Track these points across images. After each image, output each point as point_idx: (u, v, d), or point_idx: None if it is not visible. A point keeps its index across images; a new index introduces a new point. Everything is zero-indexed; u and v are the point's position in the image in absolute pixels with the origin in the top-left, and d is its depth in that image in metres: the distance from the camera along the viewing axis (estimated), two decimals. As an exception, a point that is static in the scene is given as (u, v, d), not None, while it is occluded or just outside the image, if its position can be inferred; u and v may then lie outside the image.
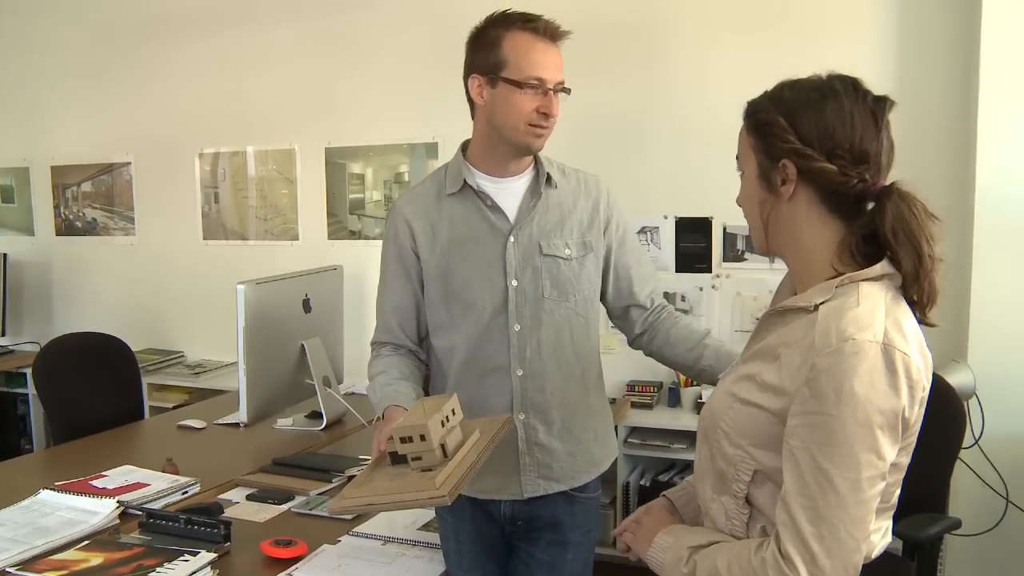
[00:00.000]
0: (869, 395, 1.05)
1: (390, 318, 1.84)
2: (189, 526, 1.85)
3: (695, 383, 3.44)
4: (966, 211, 2.97)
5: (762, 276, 3.36)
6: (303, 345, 2.77)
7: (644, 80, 3.53)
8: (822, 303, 1.13)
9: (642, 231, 3.57)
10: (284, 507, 2.10)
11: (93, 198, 4.69)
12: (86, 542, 1.86)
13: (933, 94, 3.11)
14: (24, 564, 1.75)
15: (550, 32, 1.67)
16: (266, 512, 2.07)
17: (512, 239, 1.74)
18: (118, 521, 1.99)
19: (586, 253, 1.79)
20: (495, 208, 1.75)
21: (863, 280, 1.13)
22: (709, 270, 3.52)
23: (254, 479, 2.28)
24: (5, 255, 4.66)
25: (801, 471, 1.08)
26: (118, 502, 2.04)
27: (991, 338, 2.92)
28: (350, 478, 2.22)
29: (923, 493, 2.21)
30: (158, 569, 1.69)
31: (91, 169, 4.67)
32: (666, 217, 3.56)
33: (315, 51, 4.07)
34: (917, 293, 1.14)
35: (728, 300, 3.51)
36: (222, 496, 2.18)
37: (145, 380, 3.78)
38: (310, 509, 2.08)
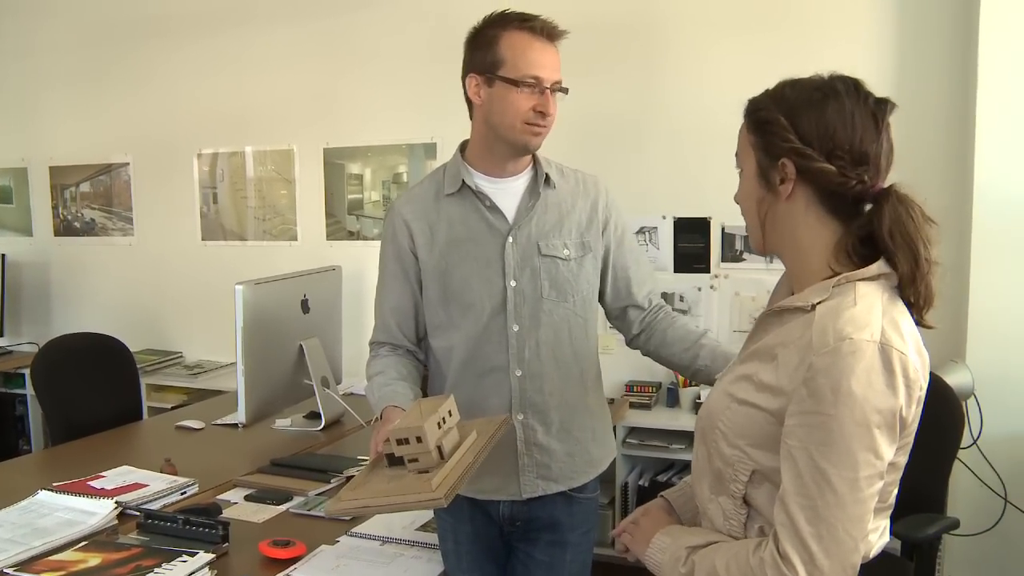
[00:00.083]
0: (866, 394, 1.05)
1: (388, 318, 1.84)
2: (187, 527, 1.85)
3: (693, 383, 3.44)
4: (964, 212, 2.97)
5: (760, 276, 3.36)
6: (301, 345, 2.77)
7: (643, 80, 3.53)
8: (819, 303, 1.13)
9: (640, 231, 3.57)
10: (282, 508, 2.10)
11: (91, 198, 4.69)
12: (84, 543, 1.86)
13: (931, 95, 3.11)
14: (22, 565, 1.75)
15: (547, 32, 1.67)
16: (264, 513, 2.07)
17: (511, 239, 1.74)
18: (116, 522, 1.99)
19: (585, 253, 1.79)
20: (493, 208, 1.75)
21: (860, 280, 1.13)
22: (707, 270, 3.52)
23: (252, 480, 2.28)
24: (3, 256, 4.66)
25: (799, 471, 1.08)
26: (116, 503, 2.04)
27: (989, 338, 2.92)
28: (348, 478, 2.22)
29: (922, 493, 2.21)
30: (156, 570, 1.69)
31: (89, 169, 4.66)
32: (664, 217, 3.56)
33: (313, 51, 4.07)
34: (914, 296, 1.14)
35: (726, 300, 3.51)
36: (220, 497, 2.18)
37: (143, 381, 3.79)
38: (308, 510, 2.08)
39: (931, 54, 3.13)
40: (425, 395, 1.80)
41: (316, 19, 4.04)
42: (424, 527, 1.97)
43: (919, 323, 1.15)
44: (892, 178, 1.17)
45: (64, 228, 4.78)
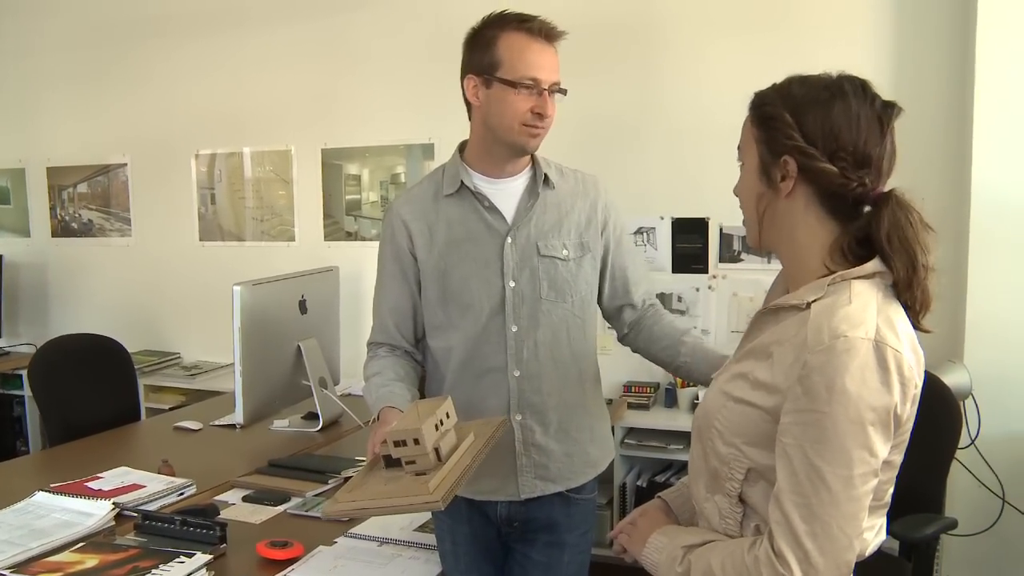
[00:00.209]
0: (861, 392, 1.05)
1: (387, 319, 1.83)
2: (185, 528, 1.85)
3: (690, 384, 3.45)
4: (962, 213, 2.97)
5: (758, 276, 3.36)
6: (299, 346, 2.76)
7: (641, 81, 3.53)
8: (814, 301, 1.13)
9: (639, 231, 3.57)
10: (280, 508, 2.10)
11: (89, 199, 4.69)
12: (81, 544, 1.86)
13: (929, 96, 3.11)
14: (19, 566, 1.75)
15: (545, 32, 1.67)
16: (262, 513, 2.07)
17: (509, 240, 1.74)
18: (114, 523, 1.99)
19: (583, 254, 1.79)
20: (492, 209, 1.75)
21: (855, 278, 1.13)
22: (705, 271, 3.53)
23: (250, 480, 2.28)
24: (1, 256, 4.66)
25: (794, 468, 1.08)
26: (114, 504, 2.04)
27: (987, 338, 2.93)
28: (346, 479, 2.22)
29: (920, 493, 2.21)
30: (153, 571, 1.69)
31: (87, 170, 4.66)
32: (662, 218, 3.56)
33: (311, 52, 4.07)
34: (910, 300, 1.14)
35: (724, 300, 3.51)
36: (218, 497, 2.18)
37: (141, 381, 3.78)
38: (306, 510, 2.08)
39: (929, 55, 3.13)
40: (423, 396, 1.80)
41: (314, 19, 4.04)
42: (422, 528, 1.97)
43: (916, 327, 1.15)
44: (891, 179, 1.17)
45: (62, 229, 4.78)
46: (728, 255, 3.49)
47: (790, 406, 1.09)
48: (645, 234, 3.58)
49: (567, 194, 1.80)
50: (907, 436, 1.15)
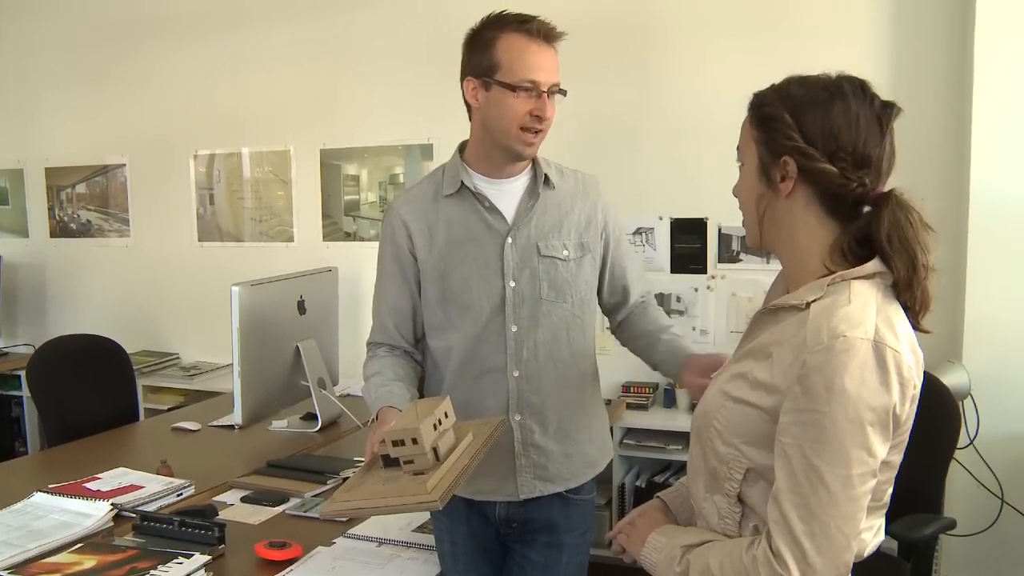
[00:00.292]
0: (860, 392, 1.05)
1: (386, 319, 1.83)
2: (183, 528, 1.85)
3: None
4: (961, 213, 2.97)
5: (757, 277, 3.36)
6: (298, 347, 2.76)
7: (640, 81, 3.53)
8: (813, 301, 1.13)
9: (637, 232, 3.57)
10: (279, 509, 2.10)
11: (88, 200, 4.68)
12: (79, 545, 1.86)
13: (928, 97, 3.11)
14: (17, 567, 1.75)
15: (544, 33, 1.66)
16: (260, 514, 2.07)
17: (510, 240, 1.74)
18: (112, 524, 1.99)
19: (584, 254, 1.79)
20: (493, 209, 1.75)
21: (854, 278, 1.13)
22: (704, 271, 3.52)
23: (249, 481, 2.28)
24: (0, 257, 4.65)
25: (792, 468, 1.08)
26: (112, 504, 2.03)
27: (986, 339, 2.93)
28: (345, 480, 2.22)
29: (918, 493, 2.22)
30: (152, 572, 1.68)
31: (86, 171, 4.66)
32: (661, 218, 3.56)
33: (310, 52, 4.07)
34: (910, 300, 1.14)
35: (723, 301, 3.51)
36: (216, 498, 2.18)
37: (140, 382, 3.78)
38: (305, 511, 2.07)
39: (928, 55, 3.13)
40: (422, 396, 1.80)
41: (312, 20, 4.04)
42: (420, 528, 1.97)
43: (916, 327, 1.15)
44: (890, 180, 1.17)
45: (60, 229, 4.78)
46: (727, 255, 3.49)
47: (789, 406, 1.09)
48: (644, 234, 3.58)
49: (567, 194, 1.80)
50: (906, 437, 1.15)
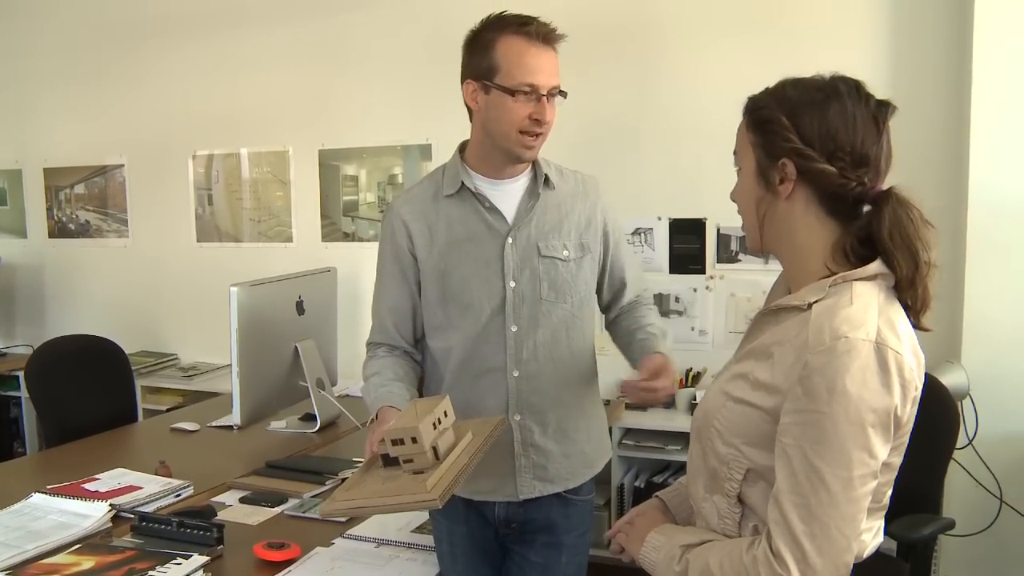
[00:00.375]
0: (861, 393, 1.05)
1: (386, 319, 1.83)
2: (181, 529, 1.84)
3: (689, 384, 3.45)
4: (959, 213, 2.97)
5: (756, 277, 3.36)
6: (297, 347, 2.76)
7: (639, 82, 3.53)
8: (815, 302, 1.13)
9: (636, 232, 3.57)
10: (277, 510, 2.10)
11: (86, 200, 4.68)
12: (77, 546, 1.85)
13: (926, 96, 3.11)
14: (14, 568, 1.74)
15: (544, 35, 1.66)
16: (259, 515, 2.07)
17: (510, 240, 1.74)
18: (110, 524, 1.99)
19: (583, 255, 1.79)
20: (493, 210, 1.75)
21: (856, 279, 1.13)
22: (703, 271, 3.53)
23: (247, 482, 2.28)
24: (-2, 258, 4.66)
25: (793, 469, 1.08)
26: (110, 505, 2.03)
27: (984, 339, 2.93)
28: (344, 480, 2.21)
29: (917, 494, 2.21)
30: (150, 573, 1.68)
31: (84, 171, 4.65)
32: (660, 218, 3.56)
33: (308, 53, 4.06)
34: (911, 298, 1.14)
35: (722, 301, 3.51)
36: (215, 499, 2.17)
37: (138, 383, 3.77)
38: (303, 512, 2.07)
39: (926, 55, 3.13)
40: (421, 396, 1.80)
41: (311, 20, 4.04)
42: (419, 529, 1.97)
43: (916, 326, 1.15)
44: (888, 180, 1.17)
45: (59, 230, 4.77)
46: (725, 255, 3.49)
47: (790, 406, 1.09)
48: (643, 235, 3.58)
49: (567, 195, 1.80)
50: (906, 438, 1.15)
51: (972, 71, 2.91)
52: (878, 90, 1.18)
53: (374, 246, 1.87)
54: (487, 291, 1.74)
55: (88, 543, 1.87)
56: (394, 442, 1.43)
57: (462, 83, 1.72)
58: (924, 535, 2.23)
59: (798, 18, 3.28)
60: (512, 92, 1.64)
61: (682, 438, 3.25)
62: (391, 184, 3.98)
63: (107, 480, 2.24)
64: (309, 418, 2.85)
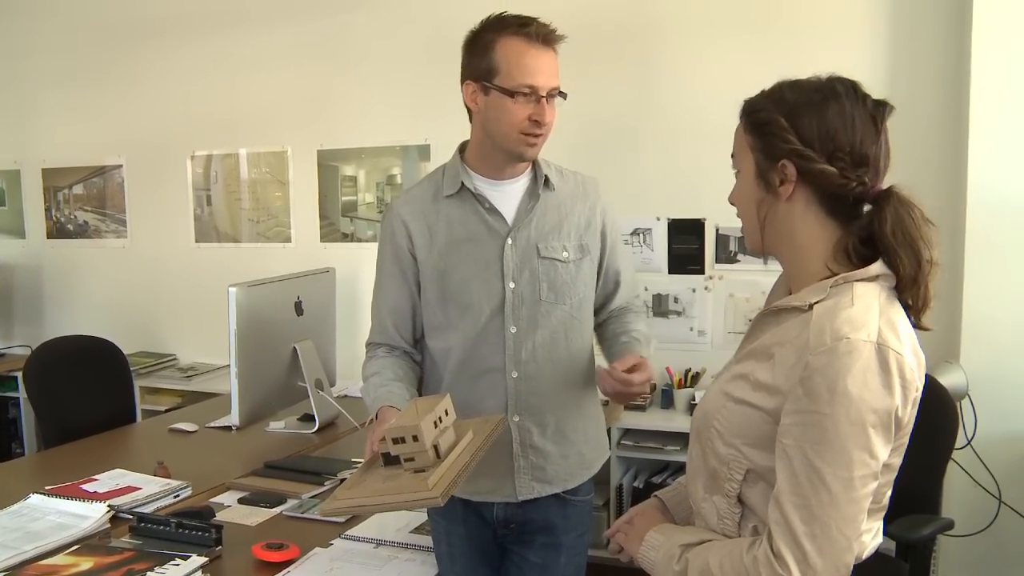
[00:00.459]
0: (863, 394, 1.05)
1: (385, 319, 1.83)
2: (180, 530, 1.84)
3: (688, 384, 3.45)
4: (958, 212, 2.97)
5: (755, 278, 3.36)
6: (295, 348, 2.76)
7: (637, 82, 3.53)
8: (816, 303, 1.13)
9: (635, 232, 3.57)
10: (276, 510, 2.09)
11: (85, 201, 4.67)
12: (76, 547, 1.85)
13: (925, 96, 3.11)
14: (13, 569, 1.74)
15: (543, 36, 1.65)
16: (258, 516, 2.06)
17: (510, 241, 1.74)
18: (109, 525, 1.98)
19: (583, 256, 1.79)
20: (493, 210, 1.75)
21: (857, 280, 1.13)
22: (702, 272, 3.52)
23: (246, 482, 2.27)
24: (-4, 258, 4.65)
25: (794, 470, 1.08)
26: (109, 506, 2.03)
27: (983, 339, 2.93)
28: (342, 481, 2.21)
29: (916, 494, 2.22)
30: (148, 573, 1.68)
31: (82, 171, 4.65)
32: (659, 219, 3.56)
33: (307, 53, 4.06)
34: (912, 297, 1.14)
35: (721, 302, 3.51)
36: (214, 500, 2.17)
37: (137, 383, 3.77)
38: (302, 512, 2.07)
39: (924, 55, 3.13)
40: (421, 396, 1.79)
41: (309, 21, 4.04)
42: (418, 530, 1.96)
43: (916, 325, 1.15)
44: (887, 180, 1.17)
45: (57, 230, 4.77)
46: (724, 256, 3.49)
47: (791, 407, 1.09)
48: (641, 235, 3.58)
49: (567, 196, 1.80)
50: (907, 439, 1.15)
51: (971, 70, 2.91)
52: (876, 90, 1.18)
53: (373, 247, 1.87)
54: (486, 292, 1.74)
55: (86, 544, 1.87)
56: (395, 440, 1.43)
57: (462, 84, 1.72)
58: (923, 535, 2.23)
59: (797, 18, 3.28)
60: (512, 93, 1.63)
61: (681, 438, 3.25)
62: (390, 185, 3.98)
63: (105, 481, 2.24)
64: (308, 419, 2.85)
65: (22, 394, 4.21)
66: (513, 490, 1.77)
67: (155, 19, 4.33)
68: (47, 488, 2.16)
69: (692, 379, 3.47)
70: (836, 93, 1.15)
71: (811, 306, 1.13)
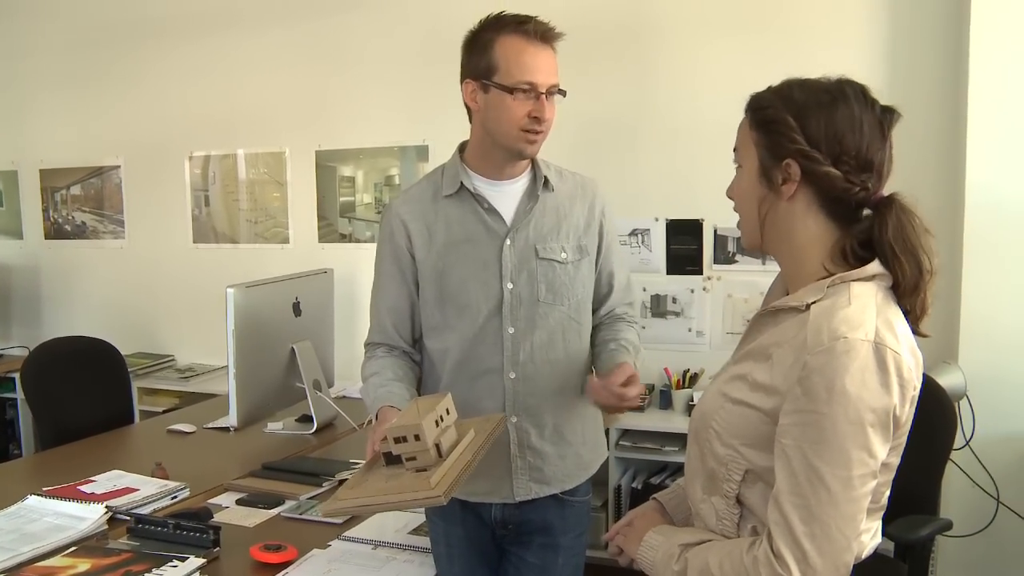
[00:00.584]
0: (861, 393, 1.05)
1: (384, 319, 1.83)
2: (178, 531, 1.84)
3: (686, 385, 3.45)
4: (956, 214, 2.97)
5: (753, 278, 3.36)
6: (293, 348, 2.75)
7: (636, 82, 3.53)
8: (813, 303, 1.13)
9: (633, 233, 3.57)
10: (274, 512, 2.09)
11: (82, 201, 4.67)
12: (73, 548, 1.85)
13: (923, 97, 3.11)
14: (10, 571, 1.74)
15: (542, 34, 1.66)
16: (256, 517, 2.06)
17: (508, 242, 1.73)
18: (106, 527, 1.98)
19: (581, 257, 1.79)
20: (492, 211, 1.75)
21: (854, 280, 1.13)
22: (700, 272, 3.52)
23: (244, 483, 2.27)
24: (-7, 259, 4.65)
25: (793, 470, 1.08)
26: (106, 507, 2.02)
27: (982, 340, 2.93)
28: (341, 482, 2.21)
29: (915, 495, 2.22)
30: (146, 575, 1.67)
31: (80, 172, 4.64)
32: (657, 219, 3.56)
33: (305, 54, 4.06)
34: (912, 304, 1.14)
35: (719, 302, 3.51)
36: (212, 501, 2.17)
37: (135, 384, 3.76)
38: (300, 513, 2.07)
39: (923, 56, 3.14)
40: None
41: (307, 21, 4.04)
42: (416, 531, 1.96)
43: (915, 332, 1.15)
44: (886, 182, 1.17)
45: (55, 231, 4.76)
46: (722, 256, 3.49)
47: (789, 407, 1.09)
48: (639, 236, 3.57)
49: (566, 197, 1.80)
50: (904, 438, 1.16)
51: (969, 71, 2.91)
52: (874, 90, 1.18)
53: (371, 247, 1.86)
54: (484, 292, 1.73)
55: (84, 545, 1.87)
56: (397, 440, 1.42)
57: (461, 83, 1.72)
58: (921, 536, 2.23)
59: (795, 19, 3.28)
60: (511, 90, 1.64)
61: (679, 439, 3.25)
62: (388, 185, 3.97)
63: (103, 482, 2.24)
64: (306, 419, 2.84)
65: (19, 395, 4.21)
66: (511, 491, 1.77)
67: (153, 20, 4.33)
68: (44, 489, 2.15)
69: (690, 380, 3.46)
70: (846, 96, 1.15)
71: (808, 306, 1.13)
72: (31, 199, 4.79)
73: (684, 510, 1.37)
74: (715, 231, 3.48)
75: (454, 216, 1.75)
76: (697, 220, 3.50)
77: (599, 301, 1.88)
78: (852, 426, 1.05)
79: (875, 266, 1.14)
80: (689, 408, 3.37)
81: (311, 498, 2.15)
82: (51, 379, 2.96)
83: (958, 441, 2.61)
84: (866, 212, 1.17)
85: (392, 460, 1.46)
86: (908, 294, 1.13)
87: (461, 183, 1.75)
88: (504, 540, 1.84)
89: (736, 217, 1.27)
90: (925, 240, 1.13)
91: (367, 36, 3.94)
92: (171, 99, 4.35)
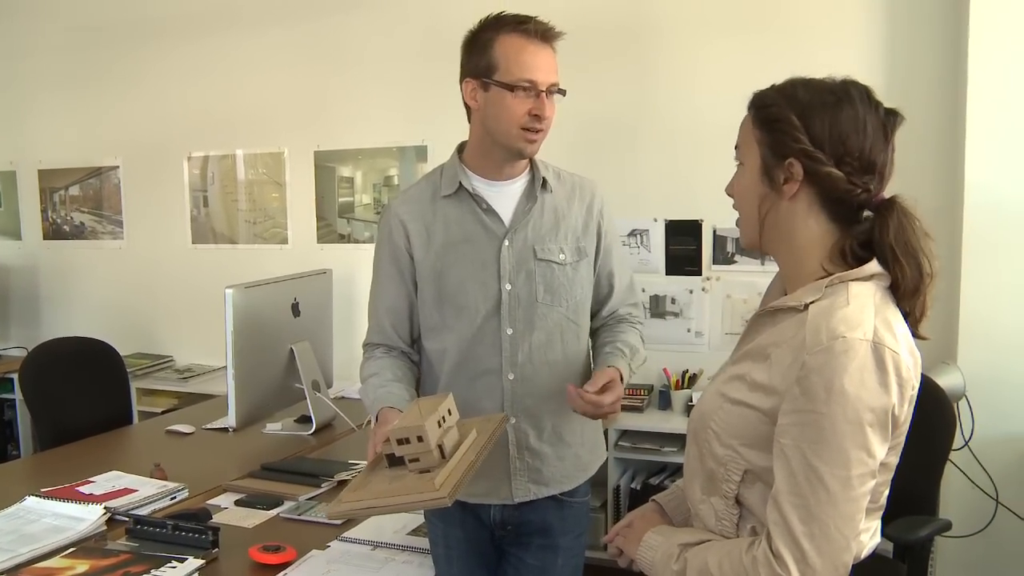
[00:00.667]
0: (859, 393, 1.05)
1: (383, 319, 1.83)
2: (176, 532, 1.84)
3: (685, 385, 3.45)
4: (955, 214, 2.97)
5: (752, 278, 3.36)
6: (292, 349, 2.75)
7: (635, 83, 3.53)
8: (812, 302, 1.13)
9: (632, 234, 3.57)
10: (273, 512, 2.09)
11: (81, 202, 4.66)
12: (72, 549, 1.84)
13: (922, 97, 3.11)
14: (8, 572, 1.73)
15: (542, 33, 1.66)
16: (255, 518, 2.06)
17: (507, 243, 1.73)
18: (105, 528, 1.98)
19: (580, 258, 1.79)
20: (490, 211, 1.74)
21: (853, 280, 1.13)
22: (699, 272, 3.52)
23: (243, 484, 2.27)
24: (-8, 259, 4.64)
25: (792, 469, 1.08)
26: (105, 508, 2.02)
27: (981, 340, 2.93)
28: (340, 483, 2.21)
29: (914, 495, 2.22)
30: None
31: (79, 173, 4.64)
32: (656, 220, 3.56)
33: (303, 54, 4.06)
34: (911, 307, 1.14)
35: (718, 303, 3.51)
36: (210, 502, 2.17)
37: (133, 385, 3.76)
38: (299, 514, 2.06)
39: (922, 55, 3.14)
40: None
41: (306, 21, 4.03)
42: (415, 532, 1.96)
43: (915, 334, 1.15)
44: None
45: (53, 232, 4.75)
46: (721, 257, 3.49)
47: (788, 407, 1.09)
48: (638, 236, 3.57)
49: (565, 198, 1.80)
50: (904, 438, 1.15)
51: (967, 71, 2.91)
52: (873, 90, 1.18)
53: (370, 248, 1.86)
54: (483, 293, 1.73)
55: (82, 547, 1.86)
56: (399, 441, 1.42)
57: (461, 82, 1.72)
58: (920, 536, 2.23)
59: (794, 19, 3.28)
60: (511, 88, 1.64)
61: (678, 440, 3.25)
62: (387, 186, 3.97)
63: (102, 483, 2.24)
64: (305, 420, 2.84)
65: (18, 396, 4.21)
66: (510, 492, 1.76)
67: (152, 20, 4.33)
68: (43, 490, 2.15)
69: (689, 380, 3.46)
70: (850, 97, 1.15)
71: (807, 306, 1.13)
72: (30, 199, 4.79)
73: (683, 511, 1.37)
74: (714, 232, 3.48)
75: (452, 216, 1.75)
76: (696, 221, 3.50)
77: (600, 302, 1.88)
78: (851, 426, 1.05)
79: (873, 266, 1.14)
80: (688, 409, 3.37)
81: (310, 499, 2.15)
82: (50, 380, 2.96)
83: (957, 441, 2.61)
84: (867, 214, 1.17)
85: (395, 462, 1.46)
86: (908, 296, 1.13)
87: (460, 183, 1.75)
88: (503, 541, 1.83)
89: (735, 216, 1.27)
90: (925, 243, 1.13)
91: (366, 36, 3.94)
92: (170, 99, 4.35)
